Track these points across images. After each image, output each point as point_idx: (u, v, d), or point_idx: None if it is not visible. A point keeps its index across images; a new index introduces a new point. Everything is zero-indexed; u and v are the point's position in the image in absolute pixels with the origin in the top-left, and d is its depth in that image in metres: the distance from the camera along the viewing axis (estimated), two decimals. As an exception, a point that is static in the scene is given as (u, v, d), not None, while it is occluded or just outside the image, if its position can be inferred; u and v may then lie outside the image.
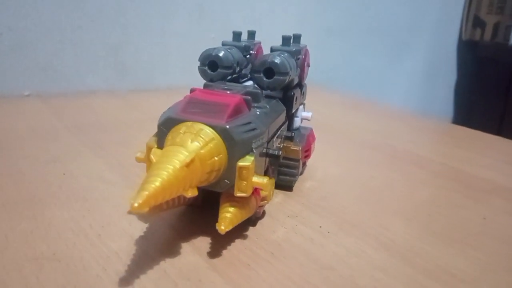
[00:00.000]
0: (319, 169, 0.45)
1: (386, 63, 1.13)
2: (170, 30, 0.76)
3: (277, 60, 0.32)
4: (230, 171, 0.27)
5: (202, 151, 0.25)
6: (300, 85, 0.39)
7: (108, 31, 0.70)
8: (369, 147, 0.54)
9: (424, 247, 0.31)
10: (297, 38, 0.40)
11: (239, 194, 0.27)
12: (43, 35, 0.64)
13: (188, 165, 0.23)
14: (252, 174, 0.27)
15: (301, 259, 0.28)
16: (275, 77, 0.32)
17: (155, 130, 0.28)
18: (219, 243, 0.29)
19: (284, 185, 0.38)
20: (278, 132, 0.33)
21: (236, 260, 0.28)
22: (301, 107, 0.41)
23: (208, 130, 0.26)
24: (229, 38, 0.38)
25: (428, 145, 0.57)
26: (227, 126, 0.26)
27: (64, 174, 0.39)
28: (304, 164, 0.42)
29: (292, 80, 0.35)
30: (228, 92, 0.30)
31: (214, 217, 0.32)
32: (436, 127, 0.72)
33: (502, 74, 1.21)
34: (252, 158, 0.27)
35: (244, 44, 0.36)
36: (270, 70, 0.32)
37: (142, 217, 0.32)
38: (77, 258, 0.27)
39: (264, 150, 0.29)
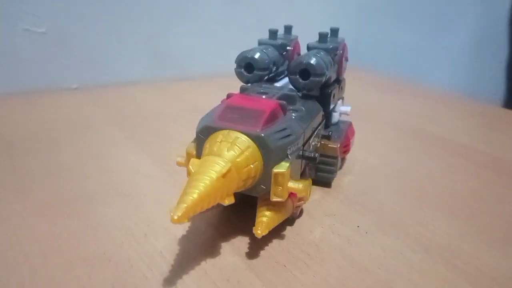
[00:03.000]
0: (358, 161, 0.45)
1: (428, 39, 1.08)
2: (204, 17, 0.76)
3: (313, 62, 0.31)
4: (266, 177, 0.27)
5: (238, 159, 0.26)
6: (338, 80, 0.39)
7: (145, 21, 0.71)
8: (409, 134, 0.53)
9: (464, 247, 0.31)
10: (334, 31, 0.39)
11: (275, 199, 0.28)
12: (85, 30, 0.67)
13: (224, 175, 0.24)
14: (287, 180, 0.27)
15: (338, 260, 0.29)
16: (311, 78, 0.32)
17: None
18: (258, 243, 0.30)
19: (323, 181, 0.39)
20: (315, 132, 0.33)
21: (273, 261, 0.29)
22: (340, 101, 0.41)
23: (244, 138, 0.26)
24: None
25: (473, 132, 0.55)
26: (262, 134, 0.26)
27: (110, 171, 0.41)
28: (343, 159, 0.42)
29: (329, 78, 0.35)
30: (264, 96, 0.30)
31: (252, 217, 0.33)
32: (484, 111, 0.69)
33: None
34: (287, 164, 0.27)
35: (281, 42, 0.36)
36: (306, 71, 0.32)
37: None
38: (125, 258, 0.28)
39: (301, 153, 0.30)
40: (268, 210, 0.29)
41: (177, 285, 0.26)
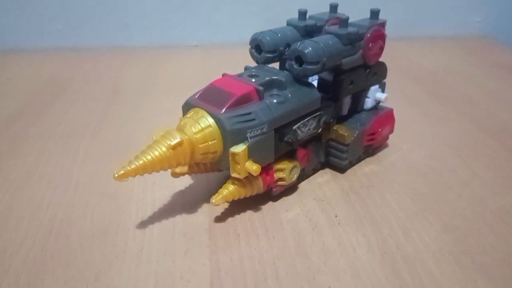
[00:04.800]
0: (399, 151, 0.43)
1: None
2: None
3: (306, 50, 0.32)
4: (226, 154, 0.30)
5: (196, 136, 0.29)
6: (366, 66, 0.37)
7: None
8: (489, 132, 0.47)
9: (430, 264, 0.29)
10: (374, 14, 0.38)
11: (234, 175, 0.31)
12: (206, -7, 0.74)
13: (173, 148, 0.28)
14: (244, 160, 0.30)
15: (288, 242, 0.31)
16: (303, 66, 0.32)
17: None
18: (232, 209, 0.34)
19: (335, 166, 0.39)
20: (308, 118, 0.34)
21: (232, 228, 0.32)
22: (375, 87, 0.39)
23: (207, 118, 0.30)
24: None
25: None
26: (221, 117, 0.29)
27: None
28: (370, 146, 0.41)
29: (340, 65, 0.35)
30: (254, 80, 0.32)
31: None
32: None
33: None
34: (245, 146, 0.30)
35: (305, 25, 0.37)
36: (300, 58, 0.32)
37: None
38: (126, 199, 0.36)
39: (287, 137, 0.32)
40: (233, 184, 0.32)
41: (146, 230, 0.32)
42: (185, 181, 0.38)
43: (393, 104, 0.42)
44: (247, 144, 0.30)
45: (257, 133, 0.30)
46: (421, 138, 0.45)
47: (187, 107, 0.32)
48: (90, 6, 0.72)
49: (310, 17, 0.39)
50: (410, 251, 0.30)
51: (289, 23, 0.38)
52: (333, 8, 0.40)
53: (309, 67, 0.32)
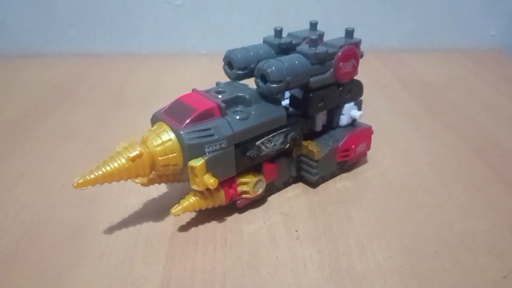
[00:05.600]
0: (377, 168, 0.43)
1: None
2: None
3: (269, 69, 0.33)
4: (186, 167, 0.32)
5: (157, 148, 0.31)
6: (338, 84, 0.38)
7: (272, -4, 0.76)
8: (478, 152, 0.46)
9: (376, 284, 0.29)
10: (349, 33, 0.38)
11: (193, 187, 0.32)
12: (215, 2, 0.76)
13: (132, 159, 0.30)
14: (202, 173, 0.31)
15: (243, 254, 0.32)
16: (267, 84, 0.33)
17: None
18: (197, 219, 0.35)
19: (307, 181, 0.40)
20: (273, 134, 0.34)
21: (192, 237, 0.33)
22: (350, 105, 0.40)
23: (168, 132, 0.31)
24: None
25: None
26: (181, 131, 0.31)
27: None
28: (345, 162, 0.41)
29: (307, 83, 0.35)
30: (220, 96, 0.34)
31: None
32: None
33: None
34: (203, 160, 0.31)
35: (279, 42, 0.38)
36: (264, 77, 0.33)
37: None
38: (102, 203, 0.38)
39: (250, 152, 0.33)
40: (194, 196, 0.33)
41: (111, 235, 0.34)
42: (160, 189, 0.39)
43: (387, 117, 0.42)
44: (205, 158, 0.31)
45: (216, 148, 0.31)
46: (405, 155, 0.45)
47: (154, 120, 0.33)
48: (104, 14, 0.76)
49: (289, 34, 0.40)
50: (360, 271, 0.30)
51: (264, 41, 0.39)
52: (313, 25, 0.41)
53: (273, 85, 0.33)
